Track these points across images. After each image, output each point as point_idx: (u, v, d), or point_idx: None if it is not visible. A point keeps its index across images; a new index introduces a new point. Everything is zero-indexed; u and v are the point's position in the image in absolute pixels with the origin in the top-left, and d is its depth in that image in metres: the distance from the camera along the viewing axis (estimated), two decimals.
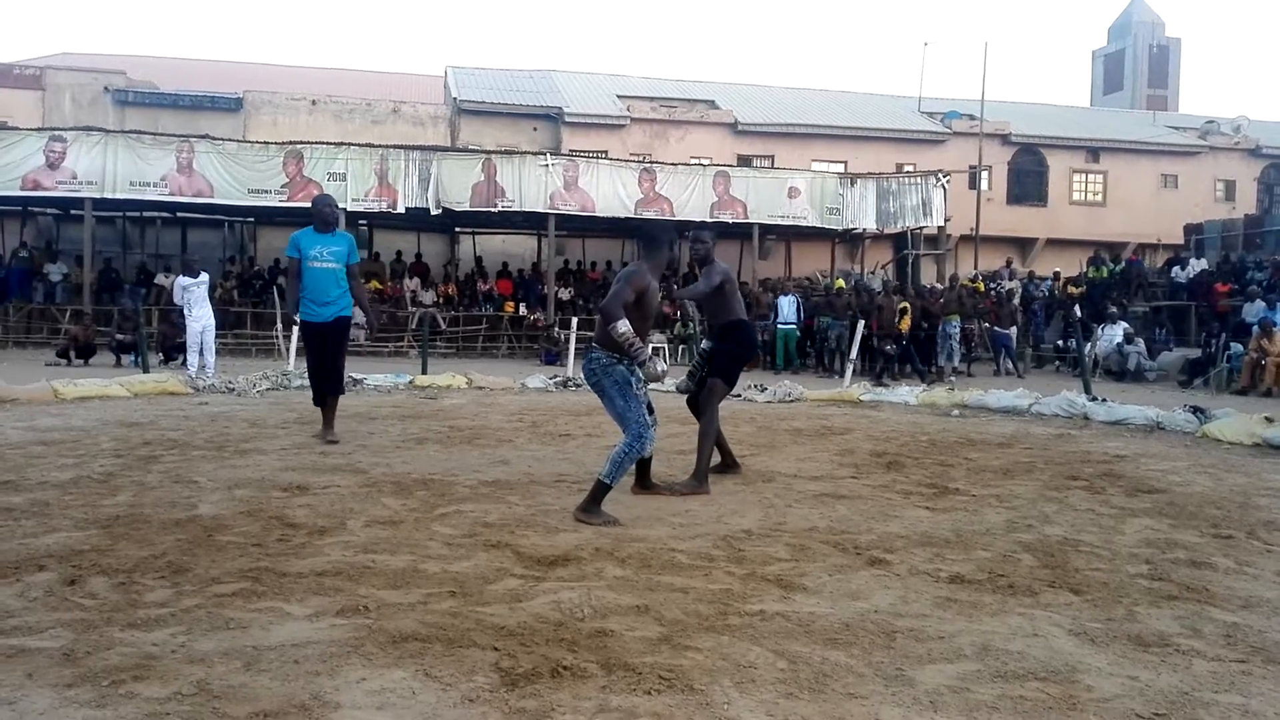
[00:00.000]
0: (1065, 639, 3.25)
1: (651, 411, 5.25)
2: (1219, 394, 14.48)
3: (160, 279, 22.45)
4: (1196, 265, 23.09)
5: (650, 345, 5.39)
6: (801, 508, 5.33)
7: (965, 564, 4.17)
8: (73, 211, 23.00)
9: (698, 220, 21.16)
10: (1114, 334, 18.16)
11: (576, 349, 16.37)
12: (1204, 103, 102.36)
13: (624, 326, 4.93)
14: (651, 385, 5.47)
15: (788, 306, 19.01)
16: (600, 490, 4.92)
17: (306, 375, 8.16)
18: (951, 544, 4.54)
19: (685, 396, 6.56)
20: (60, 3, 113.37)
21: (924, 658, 3.04)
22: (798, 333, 19.22)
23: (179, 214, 24.84)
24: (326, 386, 7.74)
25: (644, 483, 5.65)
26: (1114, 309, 19.51)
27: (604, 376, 5.10)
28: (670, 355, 19.88)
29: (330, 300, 7.63)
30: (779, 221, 24.37)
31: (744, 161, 28.99)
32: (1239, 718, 2.64)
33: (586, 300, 24.48)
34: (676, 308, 18.87)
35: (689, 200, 22.79)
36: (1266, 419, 8.76)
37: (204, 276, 13.63)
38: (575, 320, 17.62)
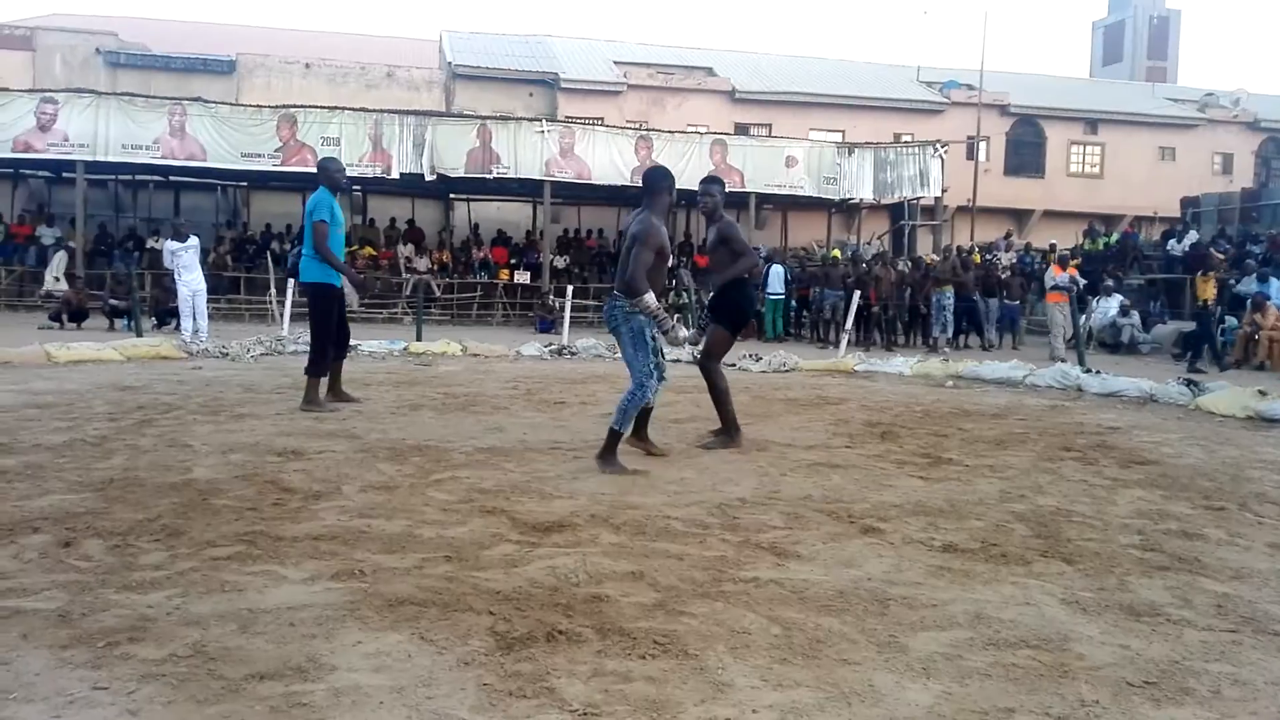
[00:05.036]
0: (1057, 608, 3.27)
1: (663, 356, 5.54)
2: (1212, 367, 14.51)
3: (152, 243, 22.31)
4: (1192, 237, 23.09)
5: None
6: (796, 476, 5.35)
7: (958, 533, 4.19)
8: (65, 174, 22.81)
9: (694, 189, 21.07)
10: (1109, 306, 18.18)
11: (572, 317, 16.35)
12: (1203, 75, 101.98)
13: (650, 299, 5.28)
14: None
15: (775, 277, 19.02)
16: (613, 439, 5.31)
17: (313, 345, 7.51)
18: (945, 513, 4.55)
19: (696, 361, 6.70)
20: None
21: (917, 625, 3.06)
22: (789, 302, 19.27)
23: (171, 177, 24.68)
24: (342, 351, 7.89)
25: (639, 434, 5.85)
26: (1109, 281, 19.49)
27: (623, 323, 5.41)
28: None
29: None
30: (776, 191, 24.25)
31: (741, 129, 28.81)
32: (1229, 687, 2.66)
33: (582, 269, 24.41)
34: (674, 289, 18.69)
35: (686, 168, 22.56)
36: (1259, 392, 8.79)
37: (193, 240, 13.54)
38: (570, 289, 17.57)
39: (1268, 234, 21.90)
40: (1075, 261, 19.81)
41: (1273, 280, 16.59)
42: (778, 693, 2.54)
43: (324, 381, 7.61)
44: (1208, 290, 16.51)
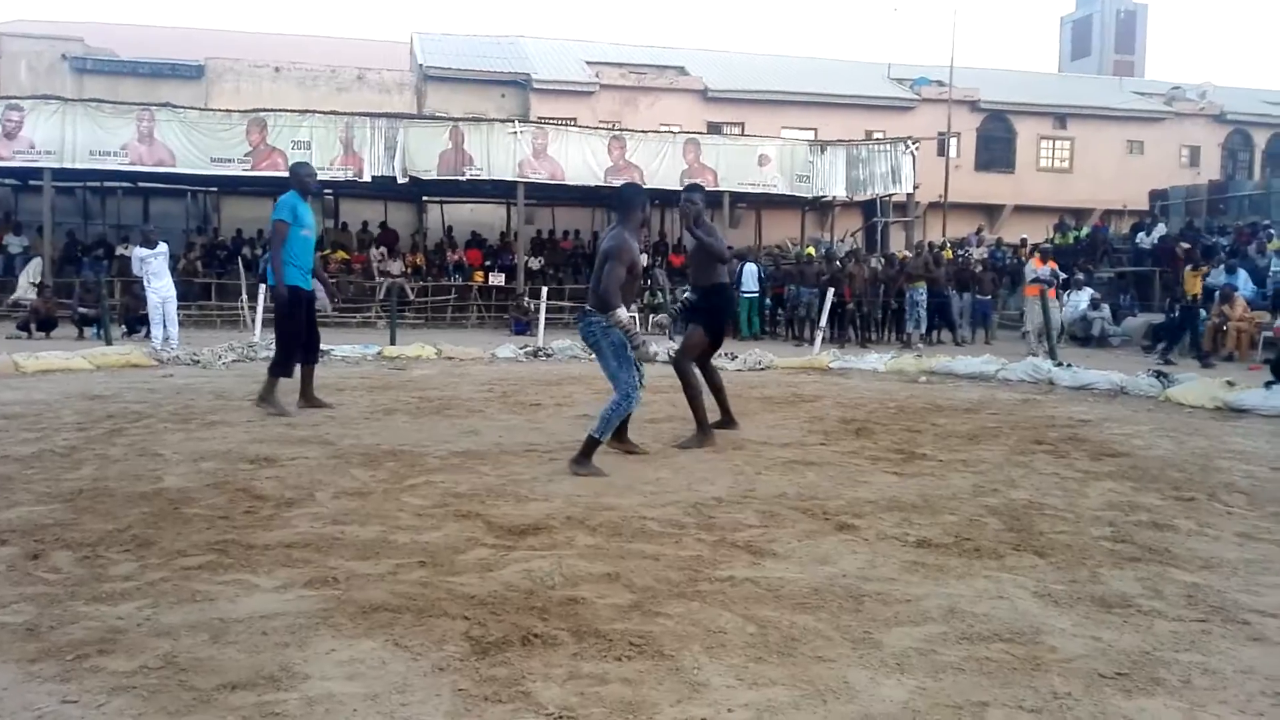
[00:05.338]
0: (1030, 601, 3.29)
1: (639, 368, 5.62)
2: (1182, 359, 14.66)
3: (121, 250, 22.08)
4: (1160, 230, 23.32)
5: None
6: (771, 475, 5.36)
7: (932, 528, 4.21)
8: (31, 182, 22.52)
9: (669, 189, 21.12)
10: (1079, 300, 18.32)
11: (547, 319, 16.32)
12: (1170, 69, 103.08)
13: (622, 314, 5.38)
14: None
15: (749, 275, 19.11)
16: (591, 445, 5.31)
17: (278, 347, 7.66)
18: (919, 509, 4.58)
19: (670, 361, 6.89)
20: None
21: (891, 621, 3.07)
22: (764, 300, 19.40)
23: (140, 184, 24.43)
24: (312, 357, 7.83)
25: (620, 438, 5.91)
26: (1080, 275, 19.65)
27: (602, 338, 5.47)
28: (640, 324, 19.87)
29: (310, 269, 7.68)
30: (749, 189, 24.30)
31: (714, 128, 28.85)
32: (1199, 676, 2.69)
33: (557, 270, 24.37)
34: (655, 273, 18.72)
35: (659, 168, 22.65)
36: (1227, 383, 8.91)
37: (162, 247, 13.42)
38: (545, 290, 17.53)
39: (1234, 226, 22.15)
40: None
41: (1240, 272, 16.78)
42: (753, 691, 2.54)
43: (282, 384, 7.56)
44: (1196, 285, 16.50)
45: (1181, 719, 2.44)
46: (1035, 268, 15.96)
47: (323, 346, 12.54)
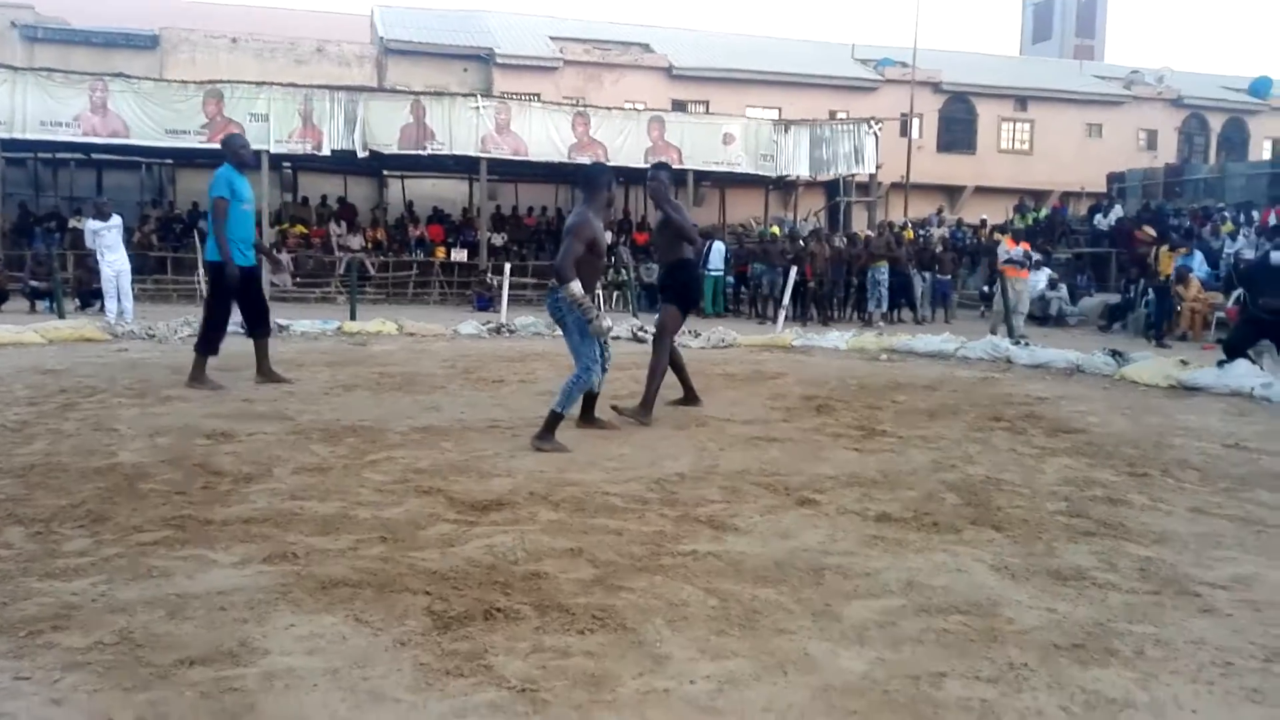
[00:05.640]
0: (987, 574, 3.34)
1: (605, 347, 5.68)
2: (1136, 338, 14.90)
3: (74, 222, 21.63)
4: (1117, 212, 23.62)
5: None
6: (734, 451, 5.38)
7: (892, 503, 4.25)
8: None
9: (633, 166, 21.04)
10: (1037, 280, 18.50)
11: (510, 295, 16.23)
12: (1129, 53, 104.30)
13: (576, 288, 5.35)
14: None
15: (715, 254, 19.12)
16: (553, 419, 5.32)
17: (205, 325, 7.53)
18: (879, 484, 4.62)
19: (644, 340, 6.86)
20: None
21: (851, 594, 3.10)
22: (725, 279, 19.41)
23: (94, 155, 23.91)
24: (262, 329, 7.71)
25: (587, 417, 5.93)
26: (1038, 256, 19.83)
27: (568, 313, 5.48)
28: (605, 301, 19.82)
29: (250, 243, 7.54)
30: (714, 168, 24.26)
31: (679, 106, 28.75)
32: (1151, 647, 2.74)
33: (520, 246, 24.23)
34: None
35: (623, 145, 22.53)
36: (1181, 362, 9.06)
37: (116, 220, 13.16)
38: (508, 266, 17.42)
39: (1190, 209, 22.49)
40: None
41: (1195, 253, 17.03)
42: (715, 663, 2.56)
43: (207, 365, 7.43)
44: (1170, 265, 16.67)
45: (1135, 688, 2.49)
46: (1008, 248, 15.76)
47: (282, 321, 12.43)
